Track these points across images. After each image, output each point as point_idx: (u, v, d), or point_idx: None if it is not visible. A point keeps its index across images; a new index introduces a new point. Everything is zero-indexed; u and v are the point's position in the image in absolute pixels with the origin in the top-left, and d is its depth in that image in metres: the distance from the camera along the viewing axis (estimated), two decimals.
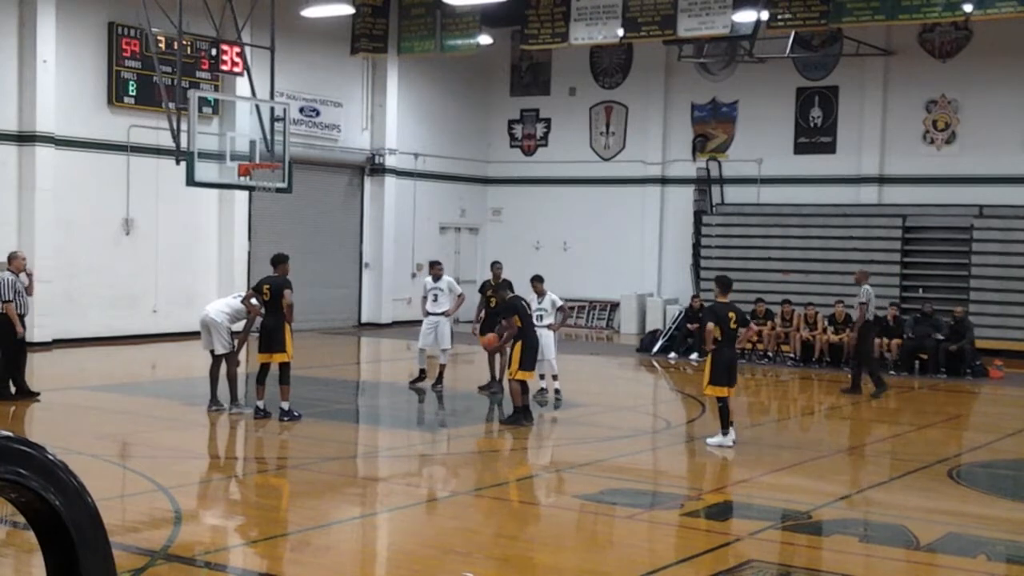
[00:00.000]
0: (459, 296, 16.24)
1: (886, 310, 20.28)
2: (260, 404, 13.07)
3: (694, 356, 21.27)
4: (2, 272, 13.93)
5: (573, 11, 22.72)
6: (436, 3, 24.26)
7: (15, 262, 14.04)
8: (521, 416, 13.10)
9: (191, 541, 7.95)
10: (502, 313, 13.61)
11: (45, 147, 19.79)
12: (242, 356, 14.04)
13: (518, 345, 13.14)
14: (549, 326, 15.00)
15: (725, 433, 12.01)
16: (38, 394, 14.02)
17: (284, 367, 12.93)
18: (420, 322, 16.49)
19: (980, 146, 23.66)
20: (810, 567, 7.74)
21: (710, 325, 11.96)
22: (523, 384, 13.13)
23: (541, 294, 15.14)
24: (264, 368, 13.07)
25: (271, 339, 12.95)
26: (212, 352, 13.50)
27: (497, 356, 15.43)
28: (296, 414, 12.98)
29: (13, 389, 13.83)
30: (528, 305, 13.93)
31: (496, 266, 16.23)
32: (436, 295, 16.12)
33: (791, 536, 8.56)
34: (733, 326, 12.04)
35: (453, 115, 28.57)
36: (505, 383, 14.10)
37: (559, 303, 15.22)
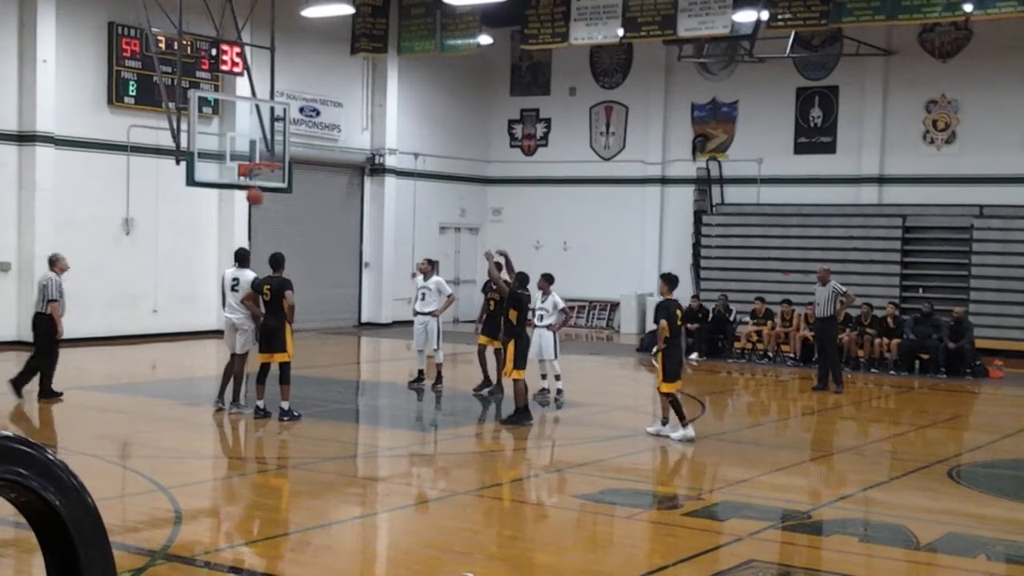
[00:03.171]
0: (448, 296, 16.18)
1: (885, 310, 20.30)
2: (260, 404, 13.07)
3: (694, 356, 21.28)
4: (48, 273, 14.11)
5: (573, 11, 22.73)
6: (436, 3, 24.26)
7: (59, 264, 14.18)
8: (523, 416, 13.12)
9: (191, 541, 7.95)
10: (507, 302, 13.62)
11: (45, 147, 19.79)
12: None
13: (512, 343, 13.18)
14: (549, 326, 14.92)
15: (685, 425, 12.29)
16: (61, 394, 14.07)
17: (284, 367, 12.94)
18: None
19: (980, 146, 23.66)
20: (810, 567, 7.74)
21: (664, 323, 12.22)
22: (524, 383, 13.15)
23: (546, 293, 14.93)
24: (264, 368, 13.07)
25: (271, 339, 12.95)
26: (233, 352, 13.53)
27: (488, 357, 15.41)
28: (296, 414, 12.98)
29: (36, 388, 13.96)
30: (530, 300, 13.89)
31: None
32: (424, 294, 16.04)
33: (791, 536, 8.56)
34: (680, 323, 12.56)
35: (453, 115, 28.57)
36: (506, 383, 14.08)
37: (561, 305, 15.09)
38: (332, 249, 25.82)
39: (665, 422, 12.37)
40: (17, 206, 19.73)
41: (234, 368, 13.50)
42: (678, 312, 12.42)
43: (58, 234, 20.01)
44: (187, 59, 19.98)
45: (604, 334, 26.73)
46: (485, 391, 15.49)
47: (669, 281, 12.64)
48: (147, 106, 20.88)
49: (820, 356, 17.74)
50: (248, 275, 13.44)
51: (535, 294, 15.10)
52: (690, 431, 12.23)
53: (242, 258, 13.73)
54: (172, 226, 22.02)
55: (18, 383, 13.97)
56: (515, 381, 13.19)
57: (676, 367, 12.29)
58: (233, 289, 13.45)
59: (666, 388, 12.32)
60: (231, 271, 13.62)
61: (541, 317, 14.93)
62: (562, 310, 15.09)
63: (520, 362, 13.12)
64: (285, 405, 12.95)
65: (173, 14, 17.03)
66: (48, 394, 13.98)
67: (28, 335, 19.51)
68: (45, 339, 13.95)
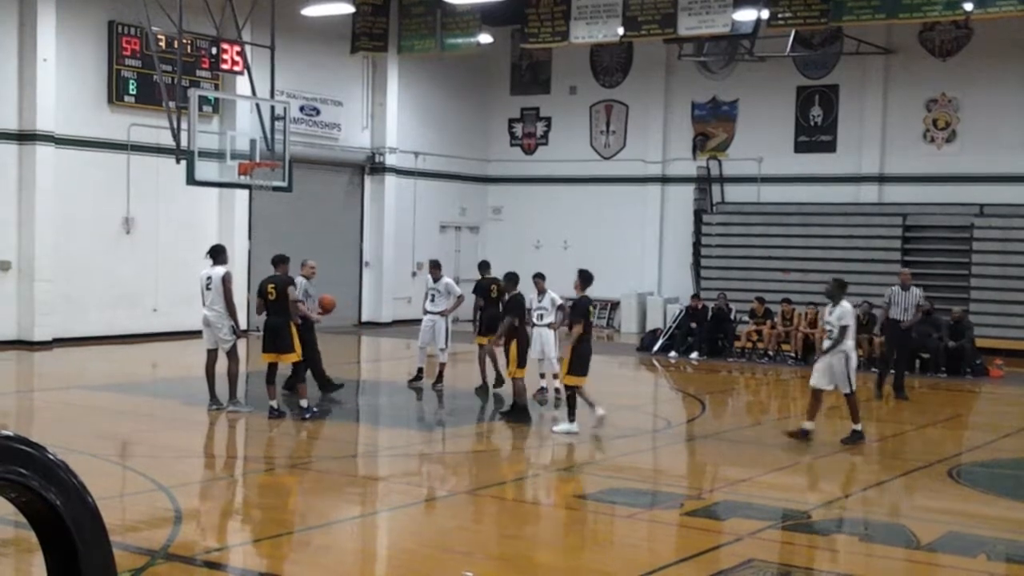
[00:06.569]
0: (458, 297, 16.24)
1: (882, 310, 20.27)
2: (274, 404, 13.08)
3: (694, 355, 21.28)
4: (298, 277, 14.58)
5: (573, 10, 22.70)
6: (436, 2, 24.24)
7: (304, 268, 14.81)
8: (523, 414, 13.29)
9: (191, 541, 7.95)
10: (507, 310, 13.89)
11: (45, 146, 19.78)
12: (242, 354, 14.06)
13: (514, 343, 13.35)
14: (549, 325, 14.90)
15: (572, 420, 12.47)
16: (341, 385, 15.00)
17: (295, 367, 13.10)
18: (420, 321, 16.60)
19: (980, 145, 23.65)
20: (810, 567, 7.74)
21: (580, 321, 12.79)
22: (523, 382, 13.40)
23: (542, 292, 14.89)
24: (272, 368, 13.11)
25: (277, 339, 12.99)
26: (208, 349, 13.57)
27: (496, 354, 15.44)
28: (316, 410, 13.09)
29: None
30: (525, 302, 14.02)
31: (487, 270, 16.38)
32: (433, 295, 16.20)
33: (791, 536, 8.56)
34: (592, 319, 13.37)
35: (453, 114, 28.56)
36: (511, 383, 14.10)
37: (559, 302, 15.07)
38: (332, 248, 25.77)
39: (573, 420, 12.49)
40: (17, 206, 19.71)
41: (218, 366, 13.56)
42: (592, 309, 13.15)
43: (58, 234, 20.02)
44: (187, 58, 19.99)
45: (604, 333, 26.70)
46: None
47: (584, 278, 13.06)
48: (147, 105, 20.86)
49: (899, 362, 16.62)
50: (219, 271, 13.44)
51: (531, 294, 15.07)
52: (574, 427, 12.45)
53: (216, 254, 13.73)
54: (172, 226, 22.01)
55: (324, 382, 14.76)
56: (515, 380, 13.36)
57: (586, 362, 12.57)
58: (207, 288, 13.46)
59: (571, 381, 12.54)
60: (206, 269, 13.64)
61: (541, 316, 14.89)
62: (560, 307, 15.06)
63: (522, 361, 13.34)
64: (304, 403, 13.02)
65: (173, 13, 17.04)
66: (327, 387, 14.73)
67: (28, 334, 19.70)
68: (302, 337, 14.41)
